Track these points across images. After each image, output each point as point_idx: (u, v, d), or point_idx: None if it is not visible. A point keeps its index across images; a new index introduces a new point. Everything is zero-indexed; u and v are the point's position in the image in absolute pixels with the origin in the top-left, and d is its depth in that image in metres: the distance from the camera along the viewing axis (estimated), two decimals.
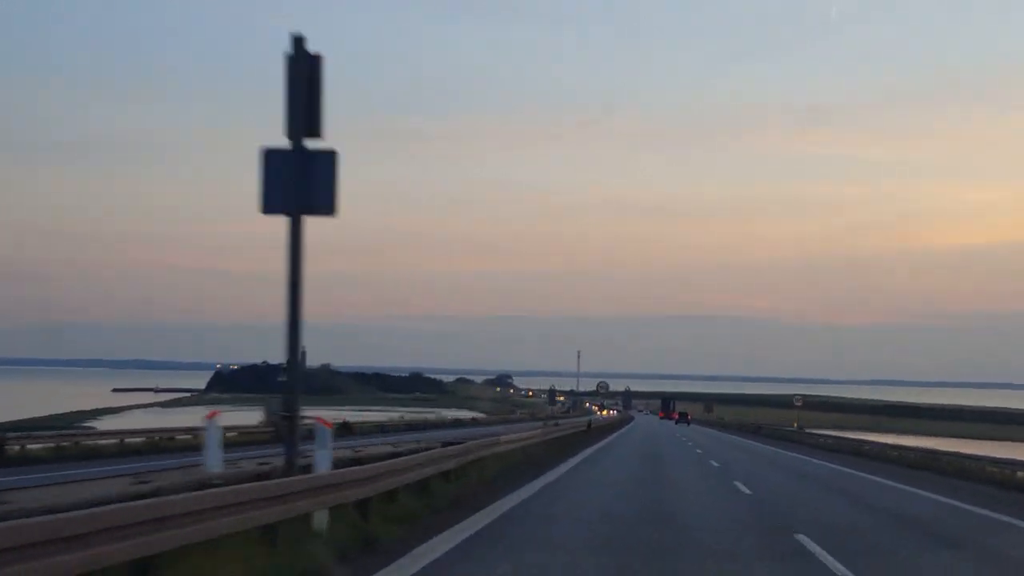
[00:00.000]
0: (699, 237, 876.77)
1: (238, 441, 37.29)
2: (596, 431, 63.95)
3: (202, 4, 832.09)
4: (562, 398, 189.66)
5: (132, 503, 9.15)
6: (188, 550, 9.50)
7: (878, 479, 31.07)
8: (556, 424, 52.25)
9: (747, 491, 23.89)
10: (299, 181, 14.03)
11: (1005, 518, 19.82)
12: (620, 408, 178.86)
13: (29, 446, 32.55)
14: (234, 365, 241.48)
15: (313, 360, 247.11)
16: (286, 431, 14.20)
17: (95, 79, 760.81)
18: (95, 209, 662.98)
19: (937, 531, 17.41)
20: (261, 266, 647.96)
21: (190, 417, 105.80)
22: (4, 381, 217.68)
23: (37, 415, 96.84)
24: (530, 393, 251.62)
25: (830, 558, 12.89)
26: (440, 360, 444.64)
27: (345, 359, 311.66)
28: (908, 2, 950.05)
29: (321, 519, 12.67)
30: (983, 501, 23.61)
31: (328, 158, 14.21)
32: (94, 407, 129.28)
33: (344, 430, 46.58)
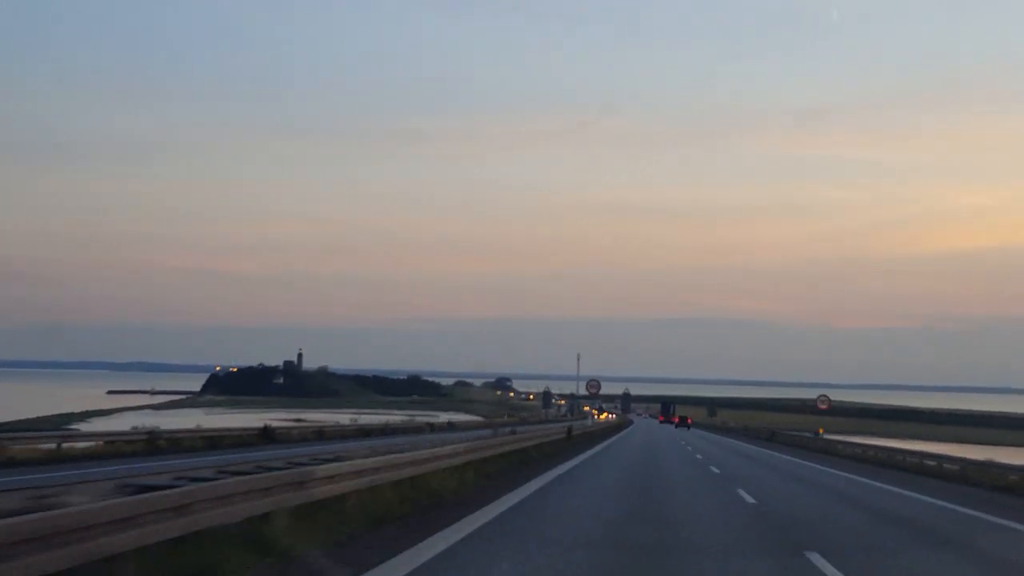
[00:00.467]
0: (700, 238, 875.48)
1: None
2: (582, 438, 51.96)
3: (203, 4, 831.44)
4: (562, 401, 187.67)
5: None
6: None
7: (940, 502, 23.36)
8: (513, 431, 41.11)
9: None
10: None
11: None
12: (618, 411, 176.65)
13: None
14: (233, 368, 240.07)
15: (312, 362, 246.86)
16: None
17: (94, 80, 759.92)
18: (95, 210, 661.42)
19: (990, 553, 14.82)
20: (261, 268, 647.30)
21: (180, 419, 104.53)
22: (3, 383, 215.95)
23: (25, 417, 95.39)
24: (531, 396, 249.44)
25: None
26: (440, 363, 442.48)
27: (345, 362, 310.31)
28: (910, 3, 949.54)
29: None
30: None
31: None
32: (84, 409, 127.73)
33: (264, 438, 38.49)
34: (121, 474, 19.63)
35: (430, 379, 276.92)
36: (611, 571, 11.21)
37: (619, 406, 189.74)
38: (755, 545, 13.97)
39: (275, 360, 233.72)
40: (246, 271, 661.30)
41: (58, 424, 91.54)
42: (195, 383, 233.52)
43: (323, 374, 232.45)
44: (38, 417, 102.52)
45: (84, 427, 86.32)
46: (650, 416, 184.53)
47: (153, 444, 32.23)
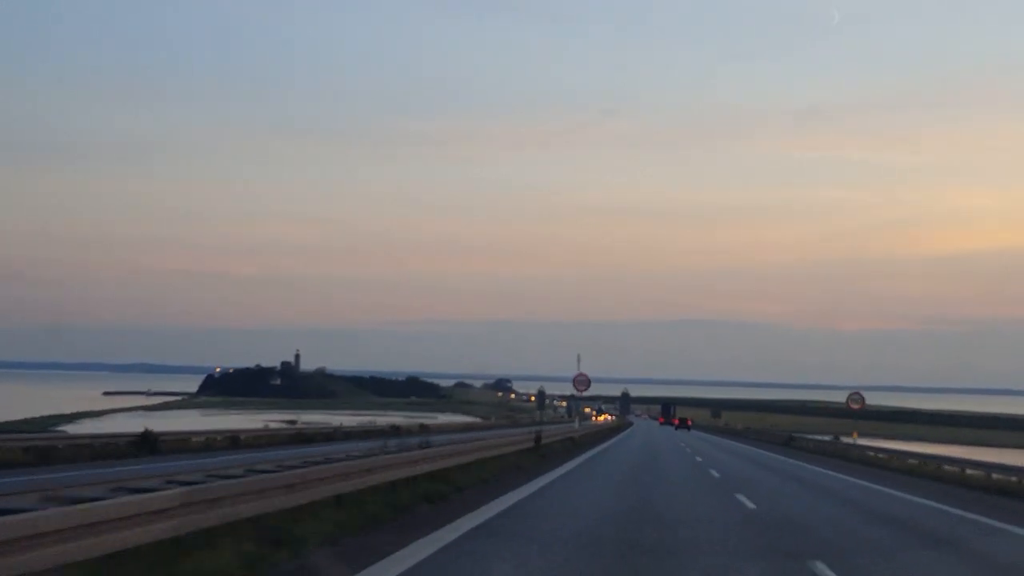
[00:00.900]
0: (700, 240, 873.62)
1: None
2: (564, 445, 43.88)
3: (202, 4, 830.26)
4: (563, 403, 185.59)
5: None
6: None
7: None
8: (424, 447, 23.87)
9: None
10: None
11: None
12: (617, 413, 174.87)
13: None
14: (218, 368, 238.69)
15: (309, 363, 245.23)
16: None
17: (93, 80, 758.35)
18: (95, 211, 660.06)
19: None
20: (262, 269, 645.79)
21: (170, 421, 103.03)
22: (1, 383, 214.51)
23: (13, 419, 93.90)
24: (531, 398, 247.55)
25: None
26: (440, 364, 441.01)
27: (345, 363, 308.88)
28: (911, 4, 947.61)
29: None
30: None
31: None
32: (75, 410, 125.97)
33: (142, 447, 30.97)
34: None
35: (429, 380, 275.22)
36: None
37: (618, 407, 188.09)
38: None
39: (275, 361, 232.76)
40: (247, 272, 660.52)
41: (45, 426, 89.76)
42: (194, 385, 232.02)
43: (320, 375, 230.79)
44: (25, 419, 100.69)
45: (71, 429, 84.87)
46: (650, 418, 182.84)
47: None
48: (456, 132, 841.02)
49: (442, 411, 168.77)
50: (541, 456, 34.44)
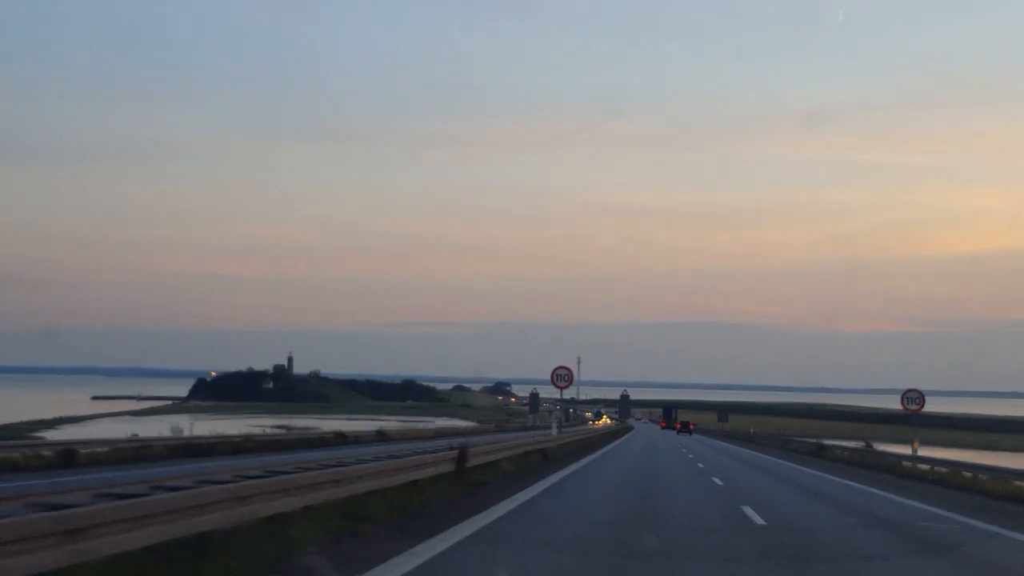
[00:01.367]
0: (704, 242, 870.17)
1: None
2: (516, 463, 29.56)
3: (205, 5, 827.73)
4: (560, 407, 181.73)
5: None
6: None
7: None
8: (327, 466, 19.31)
9: None
10: None
11: None
12: (616, 417, 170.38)
13: None
14: (213, 372, 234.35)
15: (309, 367, 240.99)
16: None
17: (91, 83, 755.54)
18: (93, 214, 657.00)
19: None
20: (259, 271, 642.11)
21: (153, 426, 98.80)
22: None
23: None
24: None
25: None
26: (441, 367, 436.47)
27: (345, 367, 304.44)
28: (918, 5, 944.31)
29: None
30: None
31: None
32: (57, 415, 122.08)
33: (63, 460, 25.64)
34: None
35: (426, 384, 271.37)
36: None
37: (617, 411, 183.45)
38: None
39: (271, 365, 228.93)
40: (245, 274, 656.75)
41: (22, 432, 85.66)
42: (186, 389, 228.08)
43: (314, 379, 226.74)
44: (2, 425, 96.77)
45: (51, 435, 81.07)
46: (650, 421, 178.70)
47: None
48: (457, 133, 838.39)
49: (438, 415, 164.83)
50: (470, 487, 20.88)
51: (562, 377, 42.76)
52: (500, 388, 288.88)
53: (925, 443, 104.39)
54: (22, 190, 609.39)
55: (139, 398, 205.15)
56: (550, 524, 15.99)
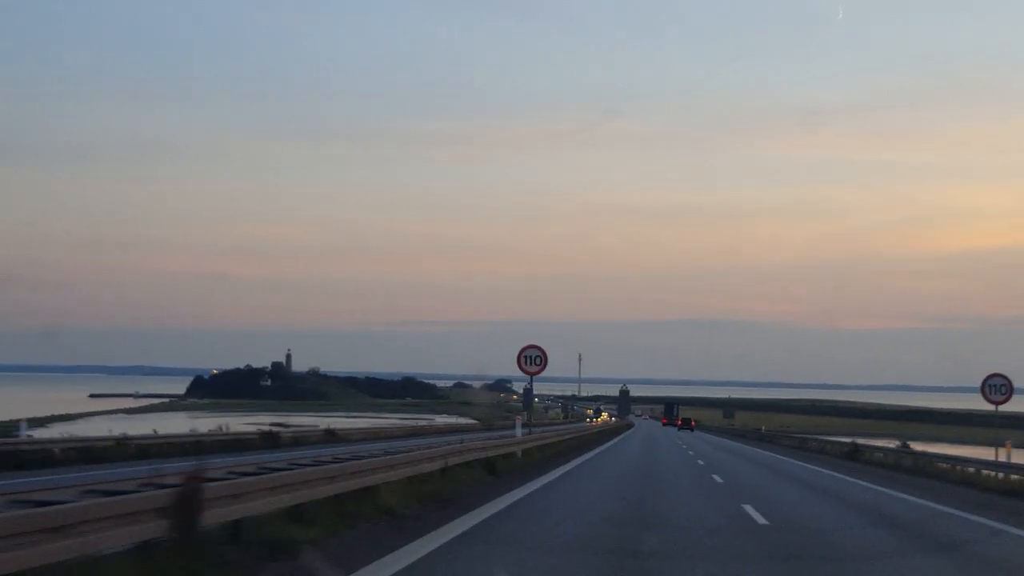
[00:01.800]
0: (705, 240, 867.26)
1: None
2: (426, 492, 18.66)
3: (205, 5, 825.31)
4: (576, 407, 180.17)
5: None
6: None
7: None
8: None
9: None
10: None
11: None
12: (615, 413, 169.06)
13: None
14: (214, 371, 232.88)
15: (308, 365, 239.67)
16: None
17: (91, 83, 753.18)
18: (94, 213, 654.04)
19: None
20: (261, 270, 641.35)
21: (144, 424, 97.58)
22: None
23: None
24: (535, 400, 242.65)
25: None
26: (441, 365, 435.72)
27: (346, 365, 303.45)
28: (919, 2, 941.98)
29: None
30: None
31: None
32: (54, 413, 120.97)
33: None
34: None
35: (427, 381, 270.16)
36: None
37: (617, 408, 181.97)
38: None
39: (262, 361, 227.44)
40: (246, 273, 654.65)
41: (8, 430, 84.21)
42: (185, 386, 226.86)
43: (313, 376, 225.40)
44: None
45: (38, 433, 79.53)
46: (651, 418, 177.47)
47: None
48: (458, 132, 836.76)
49: (439, 412, 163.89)
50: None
51: (532, 360, 32.28)
52: (501, 385, 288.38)
53: (933, 439, 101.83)
54: (22, 190, 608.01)
55: (137, 396, 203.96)
56: None
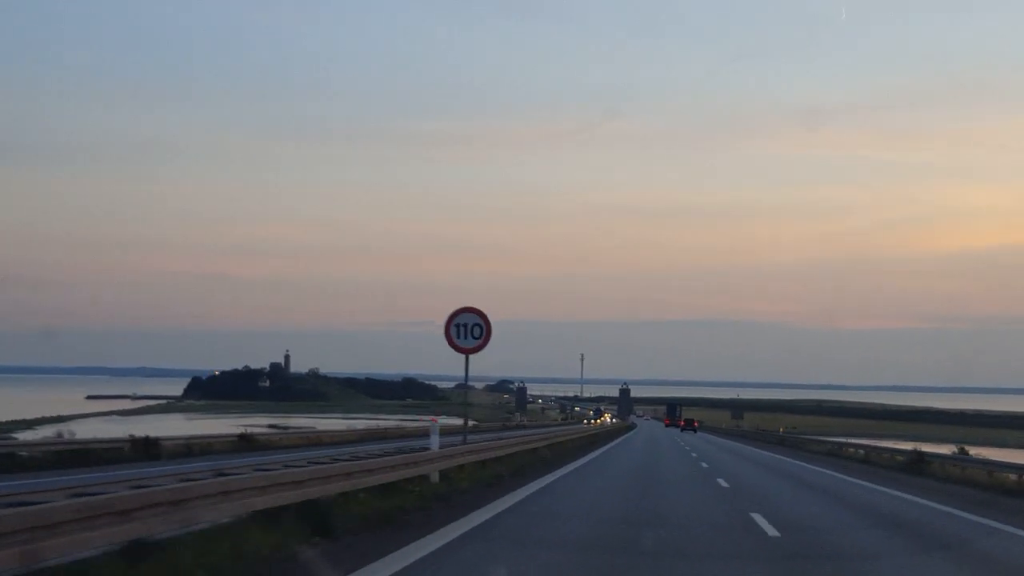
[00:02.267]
0: (706, 240, 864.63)
1: None
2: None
3: (206, 5, 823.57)
4: (578, 408, 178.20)
5: None
6: None
7: None
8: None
9: None
10: None
11: None
12: (615, 414, 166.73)
13: None
14: (217, 371, 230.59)
15: (309, 365, 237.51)
16: None
17: (91, 83, 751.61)
18: (95, 214, 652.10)
19: None
20: (264, 271, 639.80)
21: (141, 427, 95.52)
22: None
23: None
24: (539, 400, 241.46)
25: None
26: (444, 367, 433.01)
27: (347, 366, 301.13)
28: (919, 2, 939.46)
29: None
30: None
31: None
32: (45, 415, 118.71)
33: None
34: None
35: (429, 382, 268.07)
36: None
37: (617, 408, 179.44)
38: None
39: (261, 362, 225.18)
40: (248, 274, 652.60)
41: None
42: (180, 388, 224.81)
43: (312, 377, 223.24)
44: None
45: (25, 436, 77.57)
46: (652, 418, 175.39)
47: None
48: (458, 132, 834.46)
49: (439, 415, 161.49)
50: None
51: (467, 331, 23.54)
52: (503, 386, 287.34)
53: (937, 440, 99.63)
54: (22, 190, 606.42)
55: (134, 397, 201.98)
56: None
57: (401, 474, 17.92)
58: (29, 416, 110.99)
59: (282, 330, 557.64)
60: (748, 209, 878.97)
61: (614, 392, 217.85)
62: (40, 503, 9.54)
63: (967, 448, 40.08)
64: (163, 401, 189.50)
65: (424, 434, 31.54)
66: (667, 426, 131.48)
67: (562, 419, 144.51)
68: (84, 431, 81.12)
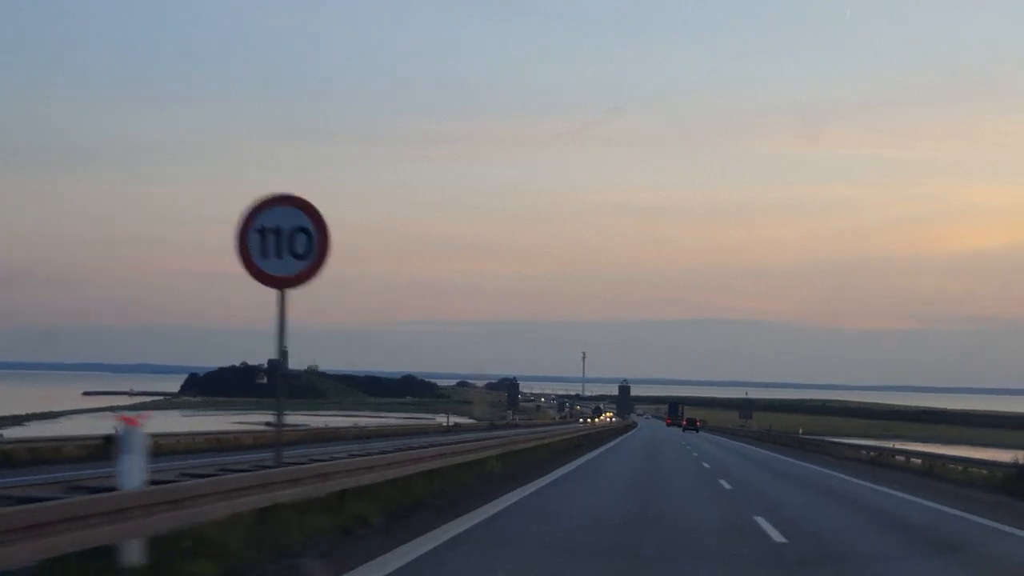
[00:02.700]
0: (708, 239, 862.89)
1: None
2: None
3: (209, 5, 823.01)
4: (546, 401, 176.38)
5: None
6: None
7: None
8: None
9: None
10: None
11: None
12: (614, 412, 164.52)
13: None
14: (221, 366, 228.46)
15: (307, 363, 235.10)
16: None
17: (92, 83, 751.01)
18: (98, 212, 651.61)
19: None
20: None
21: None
22: None
23: None
24: (542, 399, 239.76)
25: None
26: (446, 365, 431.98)
27: (349, 363, 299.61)
28: (919, 1, 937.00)
29: None
30: None
31: None
32: (37, 411, 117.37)
33: None
34: None
35: (430, 380, 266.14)
36: None
37: (616, 406, 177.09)
38: None
39: (258, 359, 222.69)
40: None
41: None
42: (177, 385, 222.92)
43: (310, 374, 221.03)
44: None
45: (10, 433, 75.90)
46: (652, 417, 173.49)
47: None
48: (460, 133, 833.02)
49: (438, 411, 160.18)
50: None
51: (276, 241, 12.97)
52: (504, 384, 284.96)
53: (948, 441, 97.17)
54: (22, 190, 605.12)
55: (131, 393, 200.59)
56: None
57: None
58: (19, 412, 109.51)
59: (292, 330, 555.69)
60: (752, 207, 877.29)
61: (615, 391, 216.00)
62: None
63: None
64: (159, 398, 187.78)
65: (393, 435, 24.67)
66: (668, 425, 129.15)
67: (560, 418, 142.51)
68: (68, 428, 79.64)
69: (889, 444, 52.04)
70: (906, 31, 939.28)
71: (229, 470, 16.83)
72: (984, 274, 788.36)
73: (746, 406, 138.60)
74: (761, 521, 15.57)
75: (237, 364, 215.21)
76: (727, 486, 23.52)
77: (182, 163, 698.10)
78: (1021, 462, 26.65)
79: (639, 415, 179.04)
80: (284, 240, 12.91)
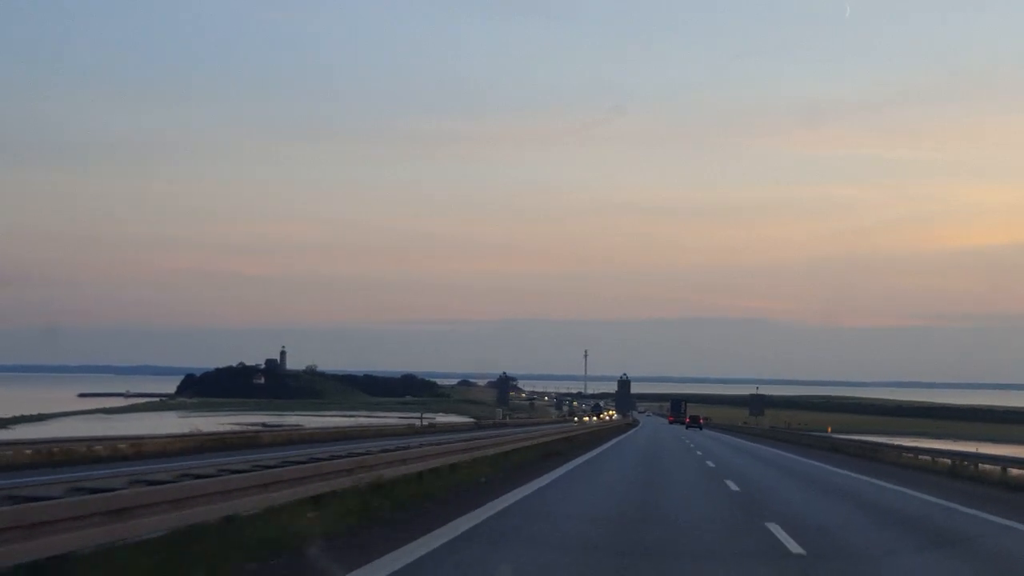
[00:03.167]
0: (708, 238, 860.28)
1: None
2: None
3: (212, 3, 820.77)
4: (545, 399, 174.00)
5: None
6: None
7: None
8: None
9: None
10: None
11: None
12: (614, 410, 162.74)
13: None
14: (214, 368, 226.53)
15: (305, 362, 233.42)
16: None
17: (94, 81, 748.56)
18: (100, 212, 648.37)
19: None
20: (267, 269, 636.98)
21: (123, 424, 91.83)
22: None
23: None
24: (545, 398, 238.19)
25: None
26: (446, 364, 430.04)
27: (349, 363, 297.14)
28: (922, 0, 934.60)
29: None
30: None
31: None
32: (31, 413, 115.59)
33: None
34: None
35: (431, 379, 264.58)
36: None
37: (615, 404, 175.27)
38: None
39: (256, 359, 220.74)
40: (254, 272, 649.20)
41: None
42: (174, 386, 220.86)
43: (308, 374, 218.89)
44: None
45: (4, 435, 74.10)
46: (654, 414, 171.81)
47: None
48: (461, 132, 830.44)
49: (437, 411, 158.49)
50: None
51: None
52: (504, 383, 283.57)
53: (951, 436, 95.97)
54: (22, 190, 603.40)
55: (127, 395, 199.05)
56: None
57: None
58: (8, 415, 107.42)
59: (284, 328, 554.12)
60: (753, 206, 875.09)
61: (614, 389, 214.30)
62: None
63: None
64: (155, 399, 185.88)
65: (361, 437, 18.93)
66: (671, 423, 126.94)
67: (558, 416, 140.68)
68: (52, 431, 77.70)
69: (972, 447, 44.00)
70: (906, 31, 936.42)
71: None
72: (986, 271, 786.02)
73: (756, 402, 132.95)
74: None
75: (234, 365, 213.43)
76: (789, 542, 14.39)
77: (182, 163, 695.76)
78: None
79: (641, 412, 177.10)
80: None
